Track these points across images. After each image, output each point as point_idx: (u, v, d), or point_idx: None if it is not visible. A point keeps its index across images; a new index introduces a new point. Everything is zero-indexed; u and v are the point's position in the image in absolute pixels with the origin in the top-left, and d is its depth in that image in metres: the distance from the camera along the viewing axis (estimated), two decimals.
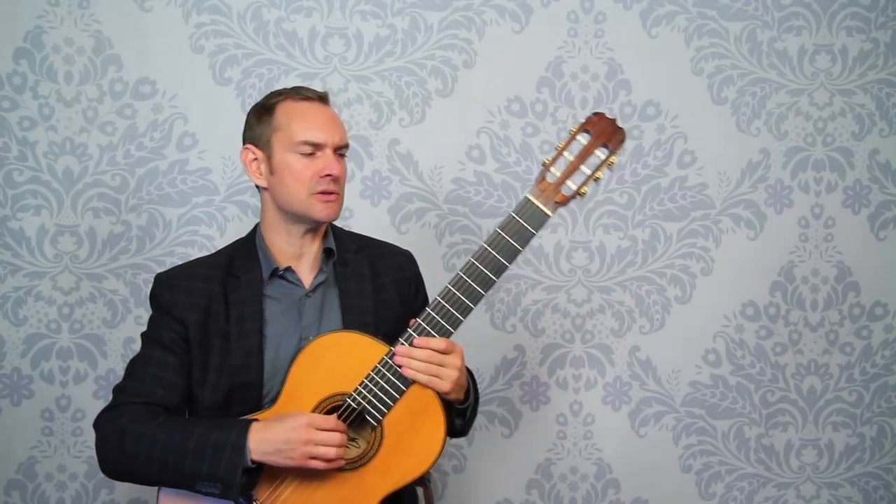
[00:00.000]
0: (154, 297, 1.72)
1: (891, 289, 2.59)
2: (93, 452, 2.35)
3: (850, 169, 2.54)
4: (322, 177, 1.65)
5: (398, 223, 2.43)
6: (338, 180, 1.67)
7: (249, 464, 1.52)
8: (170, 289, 1.69)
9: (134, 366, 1.69)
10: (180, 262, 2.26)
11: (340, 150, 1.70)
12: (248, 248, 1.75)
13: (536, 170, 2.46)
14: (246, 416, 1.60)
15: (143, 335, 1.72)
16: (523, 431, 2.51)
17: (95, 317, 2.37)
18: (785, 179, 2.52)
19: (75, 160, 2.33)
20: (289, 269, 1.71)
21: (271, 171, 1.69)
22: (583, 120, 1.59)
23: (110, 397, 2.35)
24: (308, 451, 1.51)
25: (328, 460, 1.52)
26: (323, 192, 1.66)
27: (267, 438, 1.52)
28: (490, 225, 2.45)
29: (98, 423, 1.65)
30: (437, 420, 1.59)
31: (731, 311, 2.54)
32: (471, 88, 2.42)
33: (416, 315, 1.60)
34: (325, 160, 1.66)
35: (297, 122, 1.68)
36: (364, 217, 2.38)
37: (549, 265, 2.48)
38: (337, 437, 1.52)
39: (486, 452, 2.49)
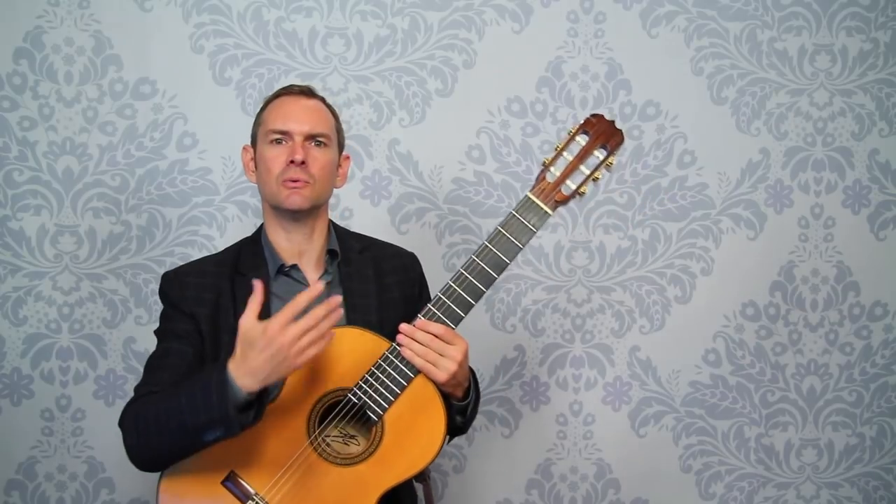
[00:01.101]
0: (164, 294, 1.74)
1: (891, 289, 2.59)
2: (93, 452, 2.39)
3: (850, 169, 2.54)
4: (288, 164, 1.68)
5: (398, 223, 2.43)
6: (305, 167, 1.68)
7: (244, 395, 1.47)
8: (179, 285, 1.72)
9: (153, 360, 1.70)
10: (181, 262, 2.28)
11: (316, 140, 1.71)
12: (254, 247, 1.77)
13: (536, 170, 2.45)
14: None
15: (158, 332, 1.74)
16: (523, 431, 2.51)
17: (95, 317, 2.36)
18: (785, 179, 2.52)
19: (75, 160, 2.33)
20: (294, 266, 1.73)
21: (256, 165, 1.77)
22: (582, 121, 1.60)
23: (110, 397, 2.38)
24: (299, 348, 1.45)
25: (321, 338, 1.47)
26: (289, 179, 1.68)
27: (254, 367, 1.45)
28: (490, 225, 2.45)
29: (121, 420, 1.64)
30: (437, 416, 1.59)
31: (731, 311, 2.54)
32: (471, 88, 2.42)
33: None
34: (292, 148, 1.69)
35: (271, 114, 1.74)
36: (364, 217, 2.38)
37: (549, 265, 2.48)
38: (305, 323, 1.45)
39: (486, 452, 2.49)
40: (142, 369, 2.37)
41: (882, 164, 2.55)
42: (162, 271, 2.33)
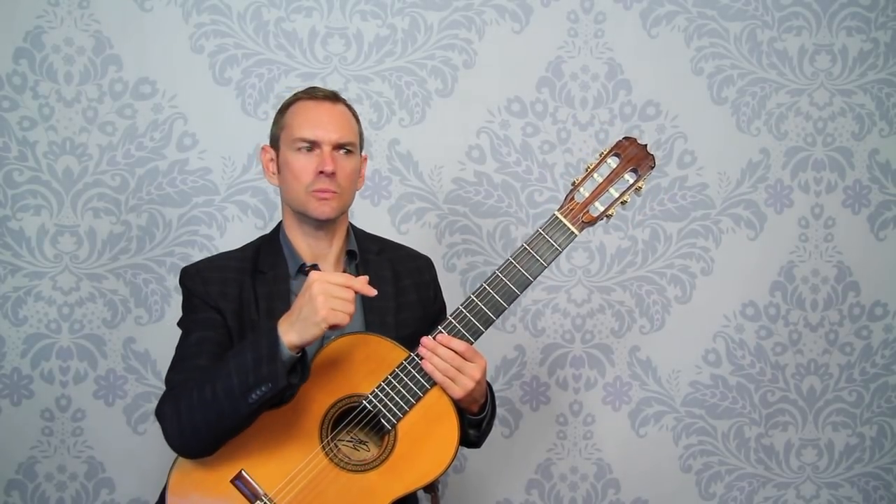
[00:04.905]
0: (186, 289, 1.71)
1: (891, 289, 2.59)
2: (93, 452, 2.39)
3: (850, 169, 2.54)
4: (318, 174, 1.67)
5: (398, 223, 2.43)
6: (334, 177, 1.67)
7: (288, 352, 1.48)
8: (202, 280, 1.69)
9: (187, 350, 1.65)
10: (181, 262, 2.29)
11: (343, 148, 1.70)
12: (273, 245, 1.75)
13: (537, 170, 2.47)
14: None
15: (184, 323, 1.70)
16: (523, 431, 2.51)
17: (95, 317, 2.36)
18: (785, 179, 2.52)
19: (75, 160, 2.33)
20: (315, 266, 1.72)
21: (279, 169, 1.74)
22: (614, 142, 1.60)
23: (110, 397, 2.38)
24: (328, 304, 1.46)
25: (346, 309, 1.48)
26: (318, 190, 1.67)
27: (291, 317, 1.49)
28: (490, 225, 2.45)
29: (158, 410, 1.60)
30: (450, 429, 1.59)
31: (731, 311, 2.54)
32: (471, 88, 2.42)
33: (436, 320, 1.62)
34: (321, 157, 1.68)
35: (297, 120, 1.71)
36: (364, 217, 2.37)
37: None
38: (343, 279, 1.50)
39: (486, 452, 2.48)
40: (142, 369, 2.40)
41: (882, 164, 2.55)
42: (162, 271, 2.35)
